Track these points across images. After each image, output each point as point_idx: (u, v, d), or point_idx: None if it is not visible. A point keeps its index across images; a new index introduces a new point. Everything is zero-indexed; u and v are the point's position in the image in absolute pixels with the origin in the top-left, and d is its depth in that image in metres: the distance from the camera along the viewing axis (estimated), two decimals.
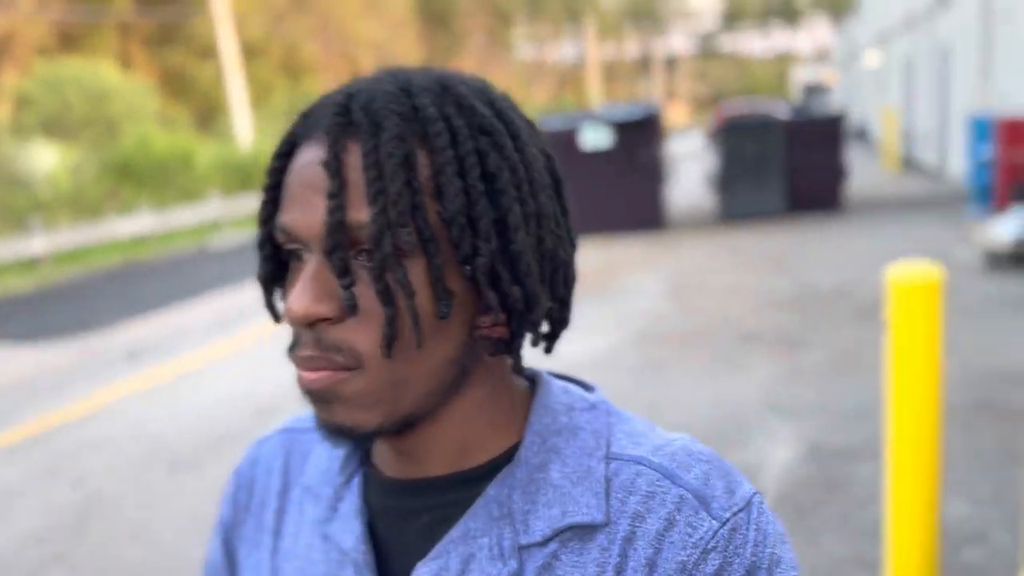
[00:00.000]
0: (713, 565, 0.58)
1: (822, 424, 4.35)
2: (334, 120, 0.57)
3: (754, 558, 0.58)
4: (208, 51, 28.33)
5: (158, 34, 28.91)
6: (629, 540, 0.59)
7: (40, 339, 8.85)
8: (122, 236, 16.65)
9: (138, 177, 20.15)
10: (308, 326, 0.57)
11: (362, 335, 0.56)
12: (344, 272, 0.55)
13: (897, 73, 22.26)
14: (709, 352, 5.80)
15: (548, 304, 0.62)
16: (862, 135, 28.81)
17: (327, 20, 38.20)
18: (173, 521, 4.06)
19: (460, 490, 0.63)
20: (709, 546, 0.58)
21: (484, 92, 0.62)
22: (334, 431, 0.59)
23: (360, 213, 0.55)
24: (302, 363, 0.58)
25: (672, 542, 0.58)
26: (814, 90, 44.74)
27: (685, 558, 0.58)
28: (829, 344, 5.76)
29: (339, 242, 0.55)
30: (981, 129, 11.00)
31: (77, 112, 26.09)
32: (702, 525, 0.58)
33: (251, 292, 10.62)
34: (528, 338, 0.64)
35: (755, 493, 0.61)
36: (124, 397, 6.26)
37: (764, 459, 3.98)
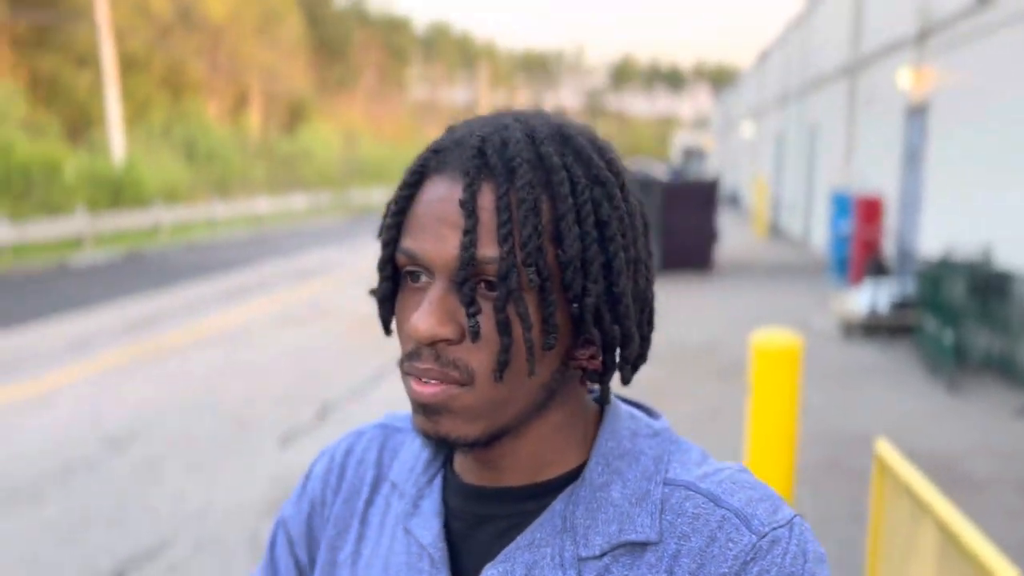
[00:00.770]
0: (752, 575, 0.61)
1: None
2: (472, 163, 0.63)
3: (792, 569, 0.61)
4: (85, 59, 27.04)
5: (31, 37, 27.41)
6: (675, 557, 0.63)
7: None
8: None
9: None
10: (429, 344, 0.62)
11: (476, 357, 0.63)
12: (471, 302, 0.61)
13: (769, 145, 23.59)
14: None
15: (639, 341, 0.68)
16: (735, 201, 30.30)
17: (217, 40, 37.27)
18: (4, 568, 3.74)
19: (531, 501, 0.69)
20: (748, 558, 0.61)
21: (596, 142, 0.68)
22: (437, 440, 0.65)
23: (489, 250, 0.60)
24: (420, 374, 0.64)
25: (713, 556, 0.62)
26: (692, 154, 46.87)
27: (726, 570, 0.61)
28: (693, 399, 5.94)
29: (469, 275, 0.61)
30: (842, 205, 11.73)
31: None
32: (742, 539, 0.62)
33: (110, 315, 10.08)
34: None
35: (798, 516, 0.65)
36: None
37: None
